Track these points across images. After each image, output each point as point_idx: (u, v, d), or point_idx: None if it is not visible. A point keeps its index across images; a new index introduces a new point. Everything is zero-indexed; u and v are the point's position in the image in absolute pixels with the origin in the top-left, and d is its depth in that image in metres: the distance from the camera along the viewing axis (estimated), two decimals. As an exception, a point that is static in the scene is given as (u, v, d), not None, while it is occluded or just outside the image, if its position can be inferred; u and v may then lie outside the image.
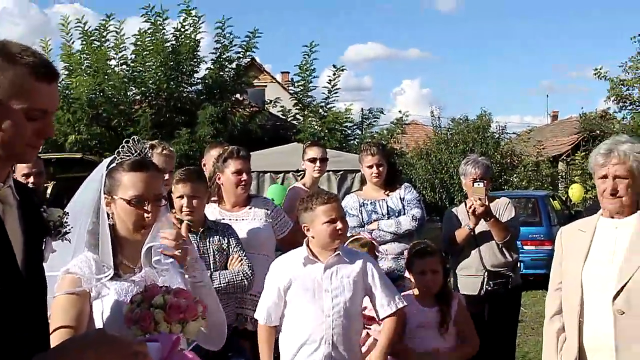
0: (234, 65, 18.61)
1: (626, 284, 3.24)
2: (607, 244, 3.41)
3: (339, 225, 3.89)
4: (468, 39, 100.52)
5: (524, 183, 25.22)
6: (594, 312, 3.35)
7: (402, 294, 4.53)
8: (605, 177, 3.39)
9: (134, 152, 2.67)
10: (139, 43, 17.28)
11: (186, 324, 2.48)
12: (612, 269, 3.32)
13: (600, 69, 29.55)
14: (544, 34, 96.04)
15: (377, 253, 4.96)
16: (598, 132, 27.14)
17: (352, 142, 19.08)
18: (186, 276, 2.68)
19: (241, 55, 18.72)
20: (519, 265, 6.22)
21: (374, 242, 5.02)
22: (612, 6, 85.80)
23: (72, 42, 17.49)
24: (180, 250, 2.70)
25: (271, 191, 8.13)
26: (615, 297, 3.26)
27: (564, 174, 29.37)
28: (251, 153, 12.58)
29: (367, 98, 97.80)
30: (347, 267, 3.97)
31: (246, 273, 4.39)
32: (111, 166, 2.68)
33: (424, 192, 23.67)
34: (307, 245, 3.99)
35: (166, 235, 2.65)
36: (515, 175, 25.71)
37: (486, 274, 5.68)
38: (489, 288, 5.66)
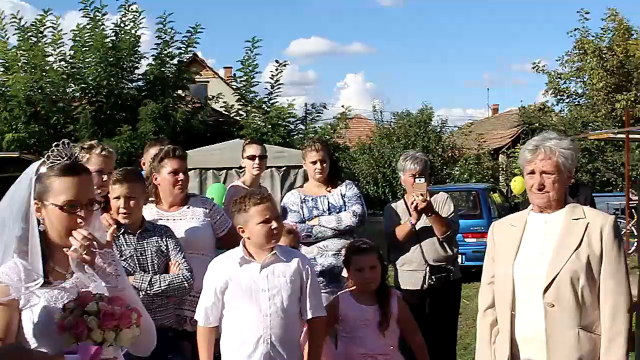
0: (175, 61, 18.44)
1: (555, 277, 3.34)
2: (537, 239, 3.51)
3: (273, 225, 3.89)
4: (411, 32, 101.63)
5: (465, 176, 25.62)
6: (525, 305, 3.44)
7: (341, 292, 4.55)
8: (532, 172, 3.48)
9: (64, 155, 2.59)
10: (77, 39, 17.03)
11: (120, 332, 2.44)
12: (542, 263, 3.42)
13: (539, 62, 30.16)
14: (486, 28, 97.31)
15: (299, 243, 5.15)
16: (537, 125, 27.65)
17: (295, 137, 19.07)
18: (102, 283, 2.59)
19: (183, 51, 18.56)
20: (460, 258, 6.30)
21: (296, 229, 5.18)
22: (551, 1, 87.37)
23: (8, 38, 17.11)
24: (88, 253, 2.55)
25: (211, 190, 8.05)
26: (545, 291, 3.36)
27: (504, 166, 29.89)
28: (194, 150, 12.61)
29: (311, 92, 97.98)
30: (283, 266, 3.97)
31: (186, 276, 4.35)
32: (40, 170, 2.60)
33: (367, 186, 23.90)
34: (243, 246, 3.97)
35: (75, 236, 2.54)
36: (457, 168, 26.06)
37: (428, 268, 5.74)
38: (431, 282, 5.72)
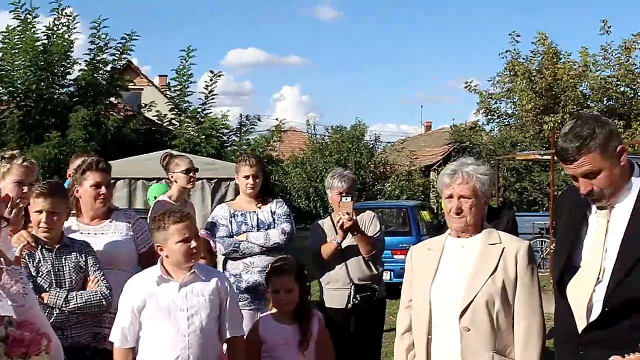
0: (109, 67, 18.14)
1: (471, 302, 3.39)
2: (454, 263, 3.56)
3: (192, 244, 3.85)
4: (348, 47, 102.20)
5: (396, 192, 25.82)
6: (441, 330, 3.49)
7: (262, 314, 4.53)
8: (451, 196, 3.54)
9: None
10: (6, 40, 16.59)
11: (28, 359, 2.37)
12: (458, 287, 3.47)
13: (471, 82, 30.69)
14: (421, 46, 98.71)
15: (214, 250, 5.26)
16: (468, 143, 28.10)
17: (228, 149, 18.97)
18: (8, 302, 2.50)
19: (117, 58, 18.28)
20: (388, 274, 6.35)
21: (209, 239, 5.22)
22: (484, 22, 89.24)
23: None
24: None
25: (152, 190, 7.91)
26: (461, 315, 3.41)
27: (435, 183, 30.23)
28: (124, 159, 12.38)
29: (247, 103, 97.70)
30: (202, 285, 3.94)
31: (104, 293, 4.26)
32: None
33: (298, 200, 23.86)
34: (162, 264, 3.92)
35: None
36: (388, 184, 26.25)
37: (353, 287, 5.76)
38: (356, 301, 5.74)
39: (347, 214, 5.58)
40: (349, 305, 5.76)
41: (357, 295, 5.75)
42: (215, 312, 3.95)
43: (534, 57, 29.66)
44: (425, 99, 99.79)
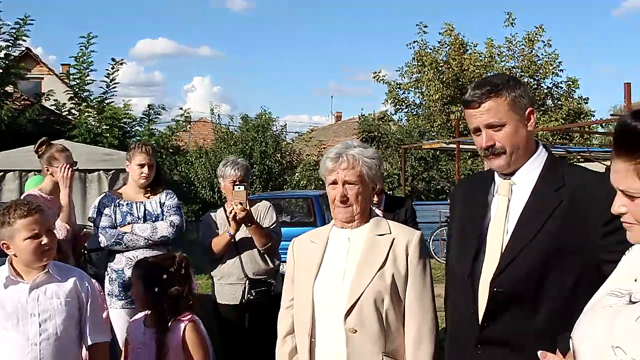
0: (1, 54, 17.23)
1: (358, 300, 3.05)
2: (339, 257, 3.21)
3: (44, 240, 3.44)
4: (260, 38, 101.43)
5: (303, 182, 25.65)
6: (326, 331, 3.12)
7: (137, 316, 4.12)
8: (335, 183, 3.20)
9: None
10: None
11: None
12: (343, 284, 3.12)
13: (380, 72, 30.96)
14: (331, 36, 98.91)
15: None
16: (376, 133, 28.23)
17: (132, 139, 18.35)
18: None
19: (10, 44, 17.38)
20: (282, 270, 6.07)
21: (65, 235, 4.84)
22: (393, 12, 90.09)
23: None
24: None
25: (30, 183, 7.37)
26: (346, 315, 3.05)
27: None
28: (15, 150, 11.72)
29: (157, 94, 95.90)
30: (57, 286, 3.52)
31: None
32: None
33: (203, 191, 23.38)
34: (10, 264, 3.48)
35: None
36: (296, 174, 26.06)
37: (247, 282, 5.47)
38: (250, 297, 5.45)
39: (240, 204, 5.28)
40: (244, 300, 5.47)
41: (252, 291, 5.46)
42: (74, 317, 3.54)
43: (441, 48, 30.16)
44: (336, 90, 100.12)
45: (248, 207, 5.33)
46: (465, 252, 2.88)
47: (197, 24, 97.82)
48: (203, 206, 22.16)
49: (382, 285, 3.08)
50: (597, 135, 27.04)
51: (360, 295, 3.05)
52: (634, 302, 1.94)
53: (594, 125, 27.71)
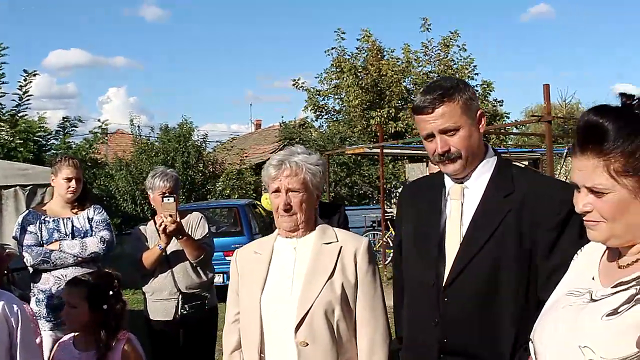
0: None
1: (308, 312, 2.94)
2: (286, 268, 3.09)
3: None
4: (176, 47, 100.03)
5: (227, 191, 25.39)
6: (275, 345, 3.00)
7: (64, 338, 3.91)
8: (278, 190, 3.08)
9: None
10: None
11: None
12: (292, 296, 3.01)
13: (299, 79, 30.94)
14: (249, 45, 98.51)
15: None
16: (297, 139, 28.18)
17: (48, 153, 17.75)
18: None
19: None
20: (221, 277, 5.92)
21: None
22: (310, 19, 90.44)
23: None
24: None
25: None
26: (297, 328, 2.94)
27: (267, 181, 30.12)
28: None
29: (71, 106, 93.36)
30: None
31: None
32: None
33: (124, 204, 22.85)
34: None
35: None
36: (218, 183, 25.78)
37: (180, 296, 5.28)
38: (184, 312, 5.26)
39: (170, 215, 5.10)
40: (177, 316, 5.27)
41: (186, 305, 5.27)
42: (4, 343, 3.30)
43: (359, 54, 30.31)
44: (255, 98, 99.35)
45: (178, 219, 5.16)
46: (426, 259, 2.81)
47: (110, 33, 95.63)
48: (125, 219, 21.65)
49: (332, 295, 2.98)
50: (512, 136, 27.67)
51: (311, 307, 2.95)
52: (596, 300, 1.93)
53: (508, 127, 28.37)
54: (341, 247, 3.08)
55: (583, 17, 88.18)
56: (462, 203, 2.79)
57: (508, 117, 30.88)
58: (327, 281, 2.99)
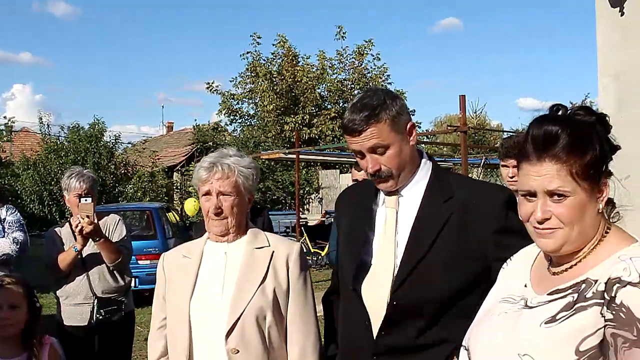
0: None
1: (239, 318, 2.89)
2: (217, 273, 3.02)
3: None
4: (85, 45, 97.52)
5: (139, 194, 24.95)
6: (205, 353, 2.93)
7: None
8: (208, 194, 3.01)
9: None
10: None
11: None
12: (223, 301, 2.94)
13: (213, 83, 30.71)
14: (162, 46, 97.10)
15: None
16: (211, 143, 27.97)
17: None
18: None
19: None
20: (133, 281, 5.76)
21: None
22: (224, 24, 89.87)
23: None
24: None
25: None
26: (228, 335, 2.88)
27: (179, 184, 29.79)
28: None
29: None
30: None
31: None
32: None
33: (31, 205, 22.17)
34: None
35: None
36: (130, 186, 25.30)
37: (96, 301, 5.10)
38: (100, 317, 5.08)
39: (88, 217, 4.91)
40: (92, 321, 5.09)
41: (102, 310, 5.10)
42: None
43: (274, 59, 30.32)
44: (167, 100, 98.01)
45: (96, 221, 4.98)
46: (355, 265, 2.80)
47: (17, 30, 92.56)
48: (31, 220, 20.97)
49: (264, 301, 2.93)
50: (424, 145, 28.18)
51: (242, 313, 2.89)
52: (531, 307, 1.96)
53: (420, 136, 28.93)
54: (273, 251, 3.03)
55: (489, 33, 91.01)
56: (397, 211, 2.78)
57: (420, 127, 31.46)
58: (259, 286, 2.94)
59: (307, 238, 17.02)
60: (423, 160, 2.82)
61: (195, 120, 53.00)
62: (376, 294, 2.70)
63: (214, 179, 2.98)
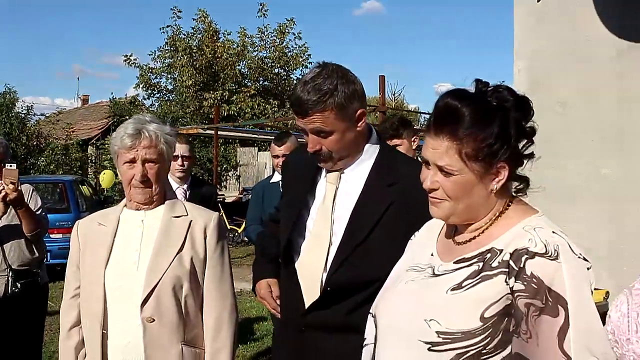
0: None
1: (155, 286, 2.87)
2: (133, 241, 2.99)
3: None
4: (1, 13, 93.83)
5: (52, 167, 24.34)
6: (119, 321, 2.90)
7: None
8: (132, 161, 2.95)
9: None
10: None
11: None
12: (139, 270, 2.92)
13: (131, 56, 30.08)
14: (77, 16, 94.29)
15: None
16: (128, 117, 27.43)
17: None
18: None
19: None
20: (46, 256, 5.66)
21: None
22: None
23: None
24: None
25: None
26: (143, 303, 2.86)
27: (94, 158, 29.20)
28: None
29: None
30: None
31: None
32: None
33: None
34: None
35: None
36: (42, 158, 24.65)
37: (11, 273, 4.99)
38: (15, 290, 4.99)
39: (12, 183, 4.78)
40: (7, 294, 4.98)
41: (17, 283, 5.00)
42: None
43: (194, 34, 29.88)
44: (82, 72, 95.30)
45: (20, 187, 4.86)
46: (291, 238, 2.86)
47: None
48: None
49: (181, 271, 2.92)
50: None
51: (158, 282, 2.88)
52: (438, 275, 2.02)
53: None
54: (191, 221, 3.02)
55: (411, 17, 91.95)
56: (337, 188, 2.81)
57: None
58: (175, 255, 2.92)
59: (224, 215, 16.97)
60: (369, 144, 2.84)
61: (112, 93, 51.96)
62: (310, 274, 2.77)
63: (140, 146, 2.93)
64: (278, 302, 3.05)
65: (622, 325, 1.29)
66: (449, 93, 1.98)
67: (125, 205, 3.09)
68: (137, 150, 2.93)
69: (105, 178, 11.89)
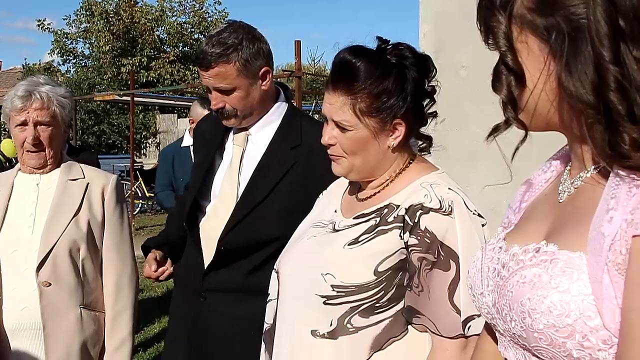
0: None
1: (50, 251, 2.81)
2: (27, 205, 2.92)
3: None
4: None
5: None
6: (15, 287, 2.83)
7: None
8: (24, 124, 2.87)
9: None
10: None
11: None
12: (34, 234, 2.86)
13: (44, 20, 29.27)
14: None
15: None
16: (42, 84, 26.77)
17: None
18: None
19: None
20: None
21: None
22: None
23: None
24: None
25: None
26: (39, 268, 2.80)
27: (7, 125, 28.42)
28: None
29: None
30: None
31: None
32: None
33: None
34: None
35: None
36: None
37: None
38: None
39: None
40: None
41: None
42: None
43: (112, -2, 29.22)
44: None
45: None
46: (196, 201, 2.86)
47: None
48: None
49: (78, 234, 2.87)
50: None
51: (54, 246, 2.82)
52: (338, 230, 2.04)
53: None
54: (88, 183, 2.96)
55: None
56: (244, 150, 2.81)
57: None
58: (72, 218, 2.87)
59: (142, 182, 16.80)
60: (277, 103, 2.83)
61: (26, 59, 50.35)
62: (210, 235, 2.76)
63: (31, 108, 2.85)
64: (159, 268, 2.97)
65: (477, 280, 1.37)
66: (346, 49, 1.97)
67: (20, 169, 3.02)
68: (28, 112, 2.86)
69: (7, 146, 11.44)
